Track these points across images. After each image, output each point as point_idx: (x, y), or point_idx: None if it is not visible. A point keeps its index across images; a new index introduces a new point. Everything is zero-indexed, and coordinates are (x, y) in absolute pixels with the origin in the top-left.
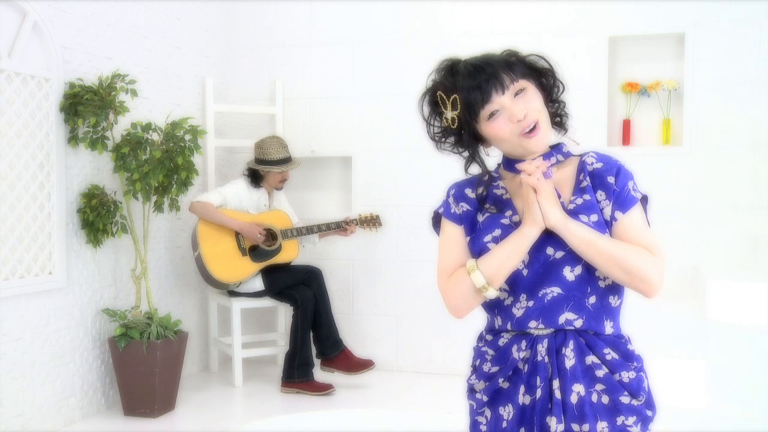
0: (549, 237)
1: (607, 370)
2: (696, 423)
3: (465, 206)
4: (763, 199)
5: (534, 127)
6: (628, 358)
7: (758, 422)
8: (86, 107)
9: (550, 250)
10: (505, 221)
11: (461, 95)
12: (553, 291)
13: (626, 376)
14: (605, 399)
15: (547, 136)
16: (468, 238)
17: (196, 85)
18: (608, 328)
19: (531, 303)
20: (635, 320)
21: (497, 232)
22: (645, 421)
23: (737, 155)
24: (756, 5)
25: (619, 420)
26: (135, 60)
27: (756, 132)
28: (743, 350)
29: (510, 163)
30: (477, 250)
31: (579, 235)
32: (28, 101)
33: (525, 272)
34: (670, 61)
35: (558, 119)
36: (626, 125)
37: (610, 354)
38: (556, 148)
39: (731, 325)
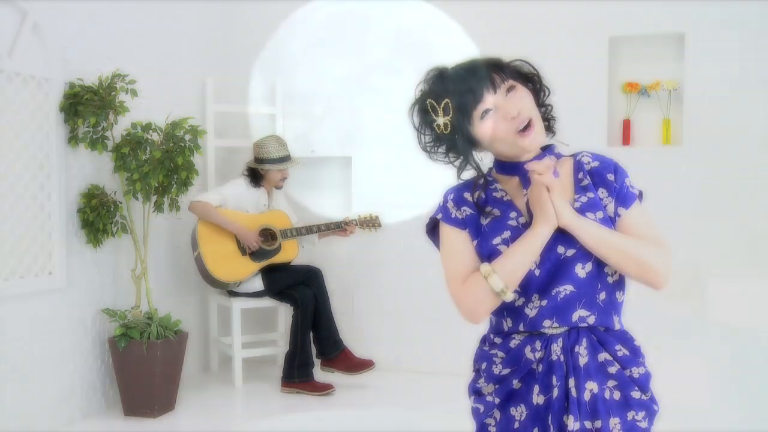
0: (559, 235)
1: (618, 366)
2: (696, 423)
3: (467, 210)
4: (763, 199)
5: (528, 125)
6: (636, 353)
7: (758, 422)
8: (86, 107)
9: (561, 249)
10: (512, 222)
11: (453, 99)
12: (566, 289)
13: (636, 371)
14: (617, 395)
15: (541, 134)
16: (475, 242)
17: (196, 85)
18: (616, 324)
19: (544, 302)
20: (635, 320)
21: (506, 234)
22: (652, 415)
23: (737, 155)
24: (756, 5)
25: (630, 415)
26: (135, 60)
27: (756, 132)
28: (743, 350)
29: (503, 166)
30: (486, 253)
31: (591, 232)
32: (28, 101)
33: (537, 272)
34: (670, 61)
35: (546, 123)
36: (626, 125)
37: (621, 350)
38: (547, 150)
39: (731, 325)
